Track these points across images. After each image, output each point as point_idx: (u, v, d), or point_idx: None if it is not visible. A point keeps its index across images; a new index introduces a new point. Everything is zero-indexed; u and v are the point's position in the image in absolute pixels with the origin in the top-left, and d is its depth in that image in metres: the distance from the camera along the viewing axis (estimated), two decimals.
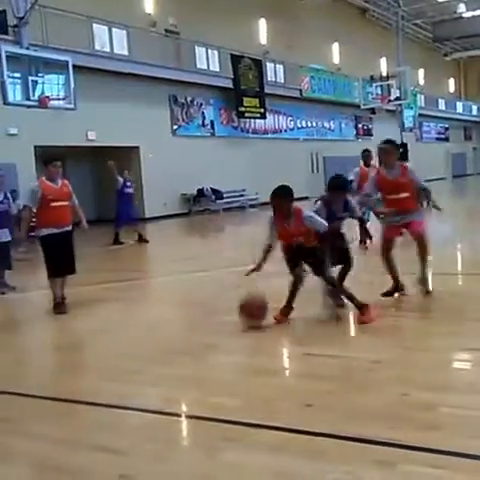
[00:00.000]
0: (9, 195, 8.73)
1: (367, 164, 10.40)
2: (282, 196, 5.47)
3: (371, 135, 34.95)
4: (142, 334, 5.89)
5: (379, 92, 24.39)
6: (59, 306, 6.82)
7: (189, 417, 3.82)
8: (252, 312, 5.51)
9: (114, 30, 19.15)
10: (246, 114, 25.09)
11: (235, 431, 3.45)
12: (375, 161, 9.61)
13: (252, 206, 24.37)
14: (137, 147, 20.47)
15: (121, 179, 13.69)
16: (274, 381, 4.25)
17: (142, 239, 13.68)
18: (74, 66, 16.30)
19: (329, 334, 5.33)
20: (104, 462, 3.19)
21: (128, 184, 13.84)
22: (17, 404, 4.20)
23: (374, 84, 23.82)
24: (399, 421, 3.40)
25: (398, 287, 6.25)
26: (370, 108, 25.10)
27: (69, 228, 7.04)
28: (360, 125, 34.11)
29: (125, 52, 19.45)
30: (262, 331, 5.54)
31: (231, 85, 24.18)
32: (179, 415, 3.90)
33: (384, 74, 26.02)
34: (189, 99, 22.99)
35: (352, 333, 5.59)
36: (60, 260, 6.80)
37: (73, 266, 7.01)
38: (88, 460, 3.23)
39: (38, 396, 4.24)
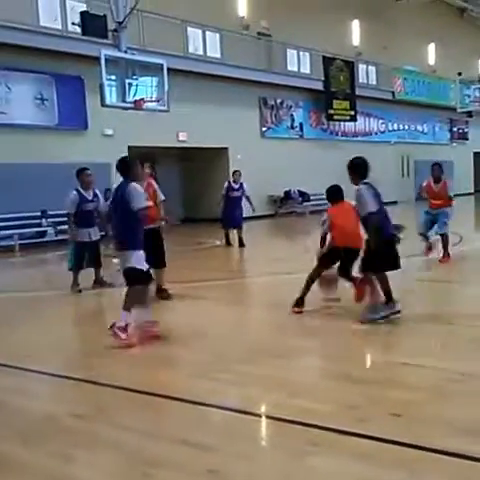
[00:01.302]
0: (98, 193, 8.86)
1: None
2: None
3: (466, 139, 33.64)
4: (231, 333, 5.98)
5: (477, 94, 23.38)
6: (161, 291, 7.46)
7: (274, 419, 3.81)
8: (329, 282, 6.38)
9: (207, 33, 19.47)
10: (335, 117, 24.81)
11: (321, 436, 3.42)
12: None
13: None
14: (226, 148, 20.69)
15: (226, 184, 13.53)
16: (361, 388, 4.19)
17: (242, 243, 13.24)
18: (168, 69, 16.73)
19: (418, 343, 5.21)
20: (191, 456, 3.24)
21: (235, 187, 13.47)
22: (107, 395, 4.35)
23: (472, 86, 22.85)
24: None
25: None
26: (467, 111, 24.11)
27: (156, 226, 7.25)
28: (455, 128, 32.89)
29: (218, 55, 19.73)
30: (349, 336, 5.48)
31: (321, 87, 23.99)
32: (264, 416, 3.91)
33: None
34: (279, 101, 23.01)
35: (441, 343, 5.39)
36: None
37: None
38: (175, 454, 3.29)
39: (127, 388, 4.36)
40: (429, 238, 9.81)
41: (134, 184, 5.65)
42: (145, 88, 16.91)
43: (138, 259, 5.52)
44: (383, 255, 5.73)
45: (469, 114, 25.19)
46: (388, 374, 4.66)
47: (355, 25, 26.76)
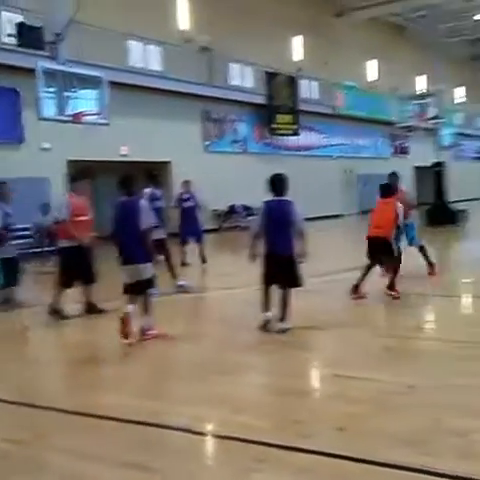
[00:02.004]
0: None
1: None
2: None
3: (407, 153, 34.47)
4: (176, 350, 5.87)
5: (416, 110, 23.96)
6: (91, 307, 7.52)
7: (219, 436, 3.77)
8: None
9: (148, 46, 19.29)
10: (279, 131, 24.99)
11: (266, 452, 3.40)
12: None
13: None
14: (169, 162, 20.47)
15: (177, 195, 12.63)
16: (306, 402, 4.21)
17: (204, 259, 12.29)
18: (108, 82, 16.43)
19: (362, 356, 5.25)
20: (132, 479, 3.18)
21: (185, 197, 12.40)
22: (45, 418, 4.20)
23: (410, 102, 23.41)
24: (430, 447, 3.33)
25: None
26: (406, 126, 24.68)
27: (87, 241, 7.42)
28: (396, 143, 33.66)
29: (159, 68, 19.56)
30: (294, 351, 5.50)
31: (264, 102, 24.13)
32: (210, 434, 3.87)
33: (421, 92, 25.60)
34: (222, 115, 23.00)
35: (387, 356, 5.42)
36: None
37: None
38: (119, 477, 3.23)
39: (66, 410, 4.23)
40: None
41: (143, 201, 6.26)
42: (85, 101, 16.53)
43: (152, 268, 6.18)
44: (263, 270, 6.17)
45: (409, 129, 25.77)
46: (333, 388, 4.65)
47: (297, 41, 27.09)
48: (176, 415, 4.02)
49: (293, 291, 6.21)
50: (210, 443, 3.75)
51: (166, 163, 20.48)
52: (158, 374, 5.04)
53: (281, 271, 6.11)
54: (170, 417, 3.98)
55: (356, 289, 7.65)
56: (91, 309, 7.49)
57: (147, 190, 9.18)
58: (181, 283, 8.87)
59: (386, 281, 7.74)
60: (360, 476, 3.09)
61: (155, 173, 10.15)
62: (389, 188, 8.27)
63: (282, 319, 6.08)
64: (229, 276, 10.45)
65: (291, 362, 5.24)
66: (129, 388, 4.73)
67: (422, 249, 9.27)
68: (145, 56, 19.21)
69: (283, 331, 5.99)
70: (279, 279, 6.15)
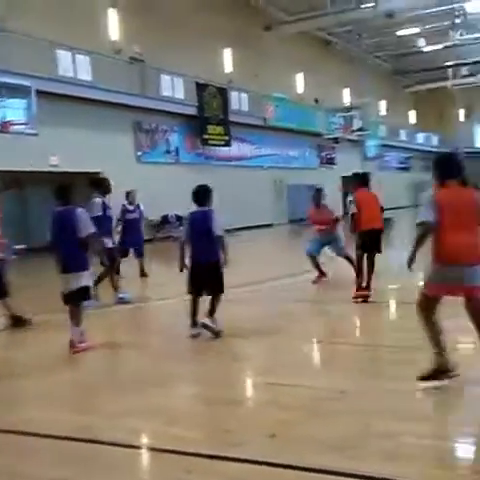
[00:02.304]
0: None
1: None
2: None
3: (334, 164, 35.48)
4: (107, 363, 5.82)
5: (342, 122, 24.79)
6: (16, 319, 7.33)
7: (152, 449, 3.75)
8: None
9: (78, 56, 19.09)
10: (210, 141, 25.20)
11: (196, 463, 3.40)
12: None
13: None
14: (100, 173, 20.27)
15: (121, 207, 11.76)
16: (238, 411, 4.22)
17: (143, 272, 12.03)
18: (37, 91, 16.19)
19: (293, 363, 5.31)
20: None
21: (130, 209, 11.91)
22: None
23: (337, 115, 24.20)
24: (359, 451, 3.41)
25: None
26: (333, 137, 25.50)
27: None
28: (323, 154, 34.58)
29: (89, 78, 19.38)
30: (225, 360, 5.55)
31: (195, 113, 24.30)
32: (142, 447, 3.83)
33: (346, 105, 26.49)
34: (154, 126, 22.98)
35: (318, 363, 5.62)
36: None
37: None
38: None
39: None
40: (319, 265, 9.76)
41: (80, 209, 6.15)
42: (12, 110, 16.25)
43: (89, 278, 6.22)
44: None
45: (335, 140, 26.62)
46: (264, 396, 4.71)
47: (227, 53, 27.46)
48: (108, 429, 3.96)
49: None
50: (142, 456, 3.72)
51: (97, 174, 20.27)
52: (90, 387, 4.93)
53: (209, 278, 6.28)
54: (101, 431, 3.92)
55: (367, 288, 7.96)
56: (16, 322, 7.28)
57: (98, 200, 8.64)
58: (121, 296, 8.74)
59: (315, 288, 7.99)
60: None
61: (101, 180, 9.50)
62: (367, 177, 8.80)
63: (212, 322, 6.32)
64: (163, 286, 10.48)
65: (223, 372, 5.27)
66: (59, 402, 4.63)
67: (348, 258, 9.59)
68: (75, 66, 18.96)
69: (216, 333, 6.19)
70: (207, 286, 6.32)
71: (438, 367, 4.36)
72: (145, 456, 3.72)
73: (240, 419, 4.05)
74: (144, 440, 3.93)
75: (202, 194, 6.56)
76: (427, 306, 4.48)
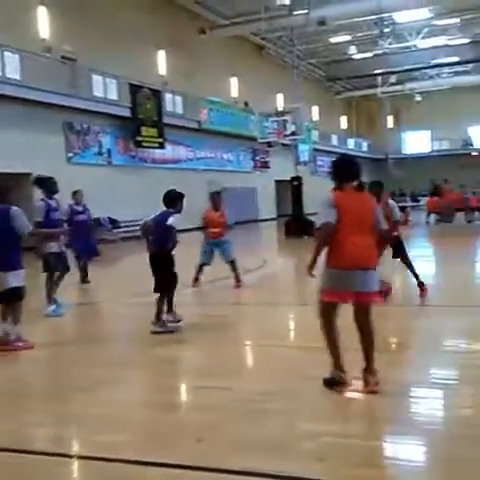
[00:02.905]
0: None
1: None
2: None
3: (268, 167, 35.90)
4: (33, 369, 5.66)
5: (275, 127, 25.06)
6: None
7: (78, 457, 3.69)
8: None
9: (6, 53, 18.51)
10: (144, 144, 24.98)
11: (126, 470, 3.37)
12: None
13: None
14: (29, 174, 19.72)
15: (67, 208, 10.76)
16: (167, 416, 4.20)
17: (85, 277, 11.24)
18: None
19: (223, 366, 5.35)
20: None
21: (79, 210, 11.14)
22: None
23: (270, 119, 24.48)
24: (285, 452, 3.46)
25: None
26: (267, 142, 25.75)
27: None
28: (258, 157, 34.95)
29: (18, 77, 18.82)
30: (157, 364, 5.50)
31: (129, 114, 24.03)
32: (68, 456, 3.72)
33: (280, 109, 26.82)
34: (85, 127, 22.57)
35: (245, 365, 5.67)
36: None
37: None
38: None
39: None
40: (202, 270, 9.79)
41: (15, 208, 6.01)
42: None
43: (20, 279, 6.07)
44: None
45: (269, 144, 26.92)
46: (193, 399, 4.75)
47: (161, 55, 27.33)
48: (34, 437, 3.89)
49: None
50: (67, 465, 3.63)
51: (27, 175, 19.72)
52: (13, 396, 4.78)
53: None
54: (26, 439, 3.84)
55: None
56: None
57: (40, 203, 8.09)
58: (51, 310, 7.92)
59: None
60: None
61: (44, 179, 8.66)
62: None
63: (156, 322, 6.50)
64: (96, 290, 10.32)
65: (154, 376, 5.26)
66: None
67: (232, 263, 9.77)
68: (3, 64, 18.38)
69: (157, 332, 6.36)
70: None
71: (333, 377, 4.41)
72: (71, 464, 3.64)
73: (168, 424, 4.03)
74: (69, 448, 3.85)
75: (166, 197, 7.12)
76: (325, 313, 4.46)
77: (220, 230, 9.81)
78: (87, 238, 11.14)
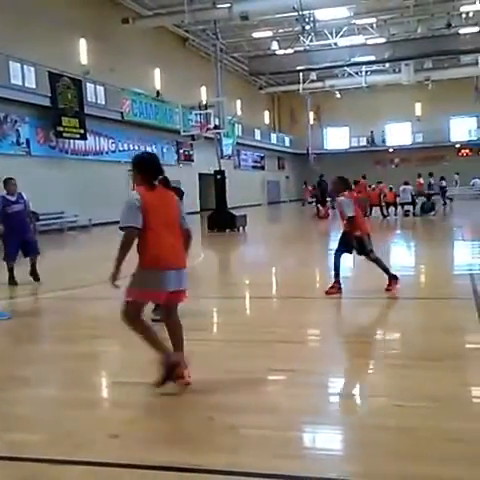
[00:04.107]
0: None
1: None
2: None
3: (192, 161, 35.87)
4: None
5: (199, 120, 25.09)
6: None
7: None
8: None
9: None
10: (65, 134, 24.34)
11: (37, 468, 3.31)
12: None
13: (71, 229, 23.71)
14: None
15: None
16: (81, 413, 4.13)
17: (36, 275, 10.07)
18: None
19: (137, 361, 5.29)
20: None
21: (12, 199, 10.01)
22: None
23: (194, 112, 24.47)
24: (202, 445, 3.50)
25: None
26: (190, 135, 25.71)
27: None
28: (181, 150, 34.84)
29: None
30: (73, 361, 5.42)
31: (48, 103, 23.35)
32: None
33: (203, 103, 26.85)
34: (2, 115, 21.76)
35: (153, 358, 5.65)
36: None
37: None
38: None
39: None
40: None
41: None
42: None
43: None
44: None
45: (192, 137, 26.90)
46: (105, 395, 4.73)
47: (82, 43, 26.71)
48: None
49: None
50: None
51: None
52: None
53: None
54: None
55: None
56: None
57: None
58: None
59: None
60: None
61: None
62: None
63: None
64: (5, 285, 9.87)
65: (70, 373, 5.16)
66: None
67: None
68: None
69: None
70: None
71: (167, 368, 4.33)
72: None
73: (83, 421, 3.97)
74: None
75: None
76: (135, 313, 4.36)
77: None
78: (26, 232, 9.95)
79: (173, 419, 3.93)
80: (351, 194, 8.14)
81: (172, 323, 4.55)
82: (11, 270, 9.78)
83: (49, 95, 23.22)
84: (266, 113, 52.68)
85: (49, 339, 6.56)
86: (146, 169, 4.43)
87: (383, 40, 35.65)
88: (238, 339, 6.04)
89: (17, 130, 22.48)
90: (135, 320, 4.37)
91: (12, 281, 9.76)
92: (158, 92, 32.29)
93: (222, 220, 21.00)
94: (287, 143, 52.48)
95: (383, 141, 52.35)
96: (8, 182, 10.15)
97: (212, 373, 4.83)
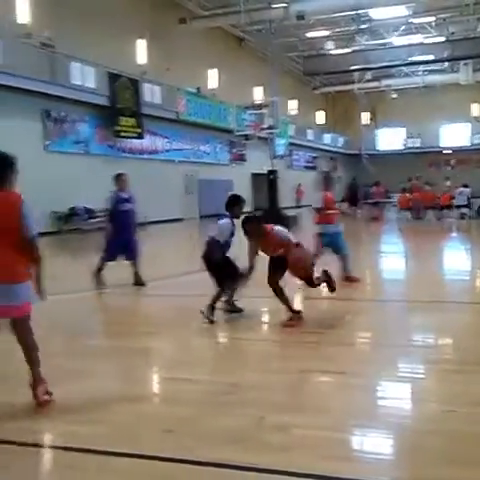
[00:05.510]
0: None
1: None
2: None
3: (245, 160, 36.04)
4: (12, 354, 5.66)
5: (253, 120, 25.24)
6: None
7: (48, 447, 3.77)
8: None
9: None
10: (122, 133, 24.90)
11: (92, 461, 3.42)
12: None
13: None
14: None
15: (111, 194, 9.62)
16: (136, 407, 4.24)
17: (140, 280, 9.33)
18: None
19: (192, 358, 5.47)
20: None
21: (124, 197, 9.58)
22: None
23: (248, 112, 24.64)
24: (253, 444, 3.54)
25: None
26: (244, 134, 25.89)
27: None
28: (234, 150, 35.05)
29: None
30: (130, 355, 5.58)
31: (107, 103, 23.92)
32: (35, 445, 3.75)
33: (258, 102, 26.96)
34: (63, 115, 22.43)
35: (213, 357, 5.76)
36: None
37: None
38: None
39: None
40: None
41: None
42: None
43: None
44: None
45: (246, 137, 27.05)
46: (159, 390, 4.84)
47: (140, 44, 27.18)
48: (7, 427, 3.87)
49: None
50: (34, 454, 3.65)
51: None
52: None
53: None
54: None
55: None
56: None
57: None
58: None
59: None
60: (183, 477, 3.22)
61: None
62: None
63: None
64: (65, 280, 10.05)
65: (126, 367, 5.29)
66: None
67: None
68: None
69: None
70: None
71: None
72: (37, 454, 3.67)
73: (136, 415, 4.08)
74: (38, 437, 3.86)
75: (227, 202, 7.25)
76: None
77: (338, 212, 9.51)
78: (132, 233, 9.40)
79: (223, 417, 3.99)
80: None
81: (17, 339, 4.26)
82: (101, 269, 9.07)
83: (108, 95, 23.79)
84: (320, 113, 52.33)
85: (105, 334, 6.79)
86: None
87: (442, 39, 34.91)
88: (282, 340, 6.09)
89: (77, 129, 23.13)
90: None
91: (98, 278, 9.06)
92: (198, 89, 31.89)
93: (273, 220, 20.97)
94: (340, 143, 52.00)
95: (438, 142, 51.22)
96: (119, 178, 9.61)
97: (263, 372, 4.89)
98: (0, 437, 3.76)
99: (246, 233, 6.61)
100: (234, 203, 7.22)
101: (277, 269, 6.53)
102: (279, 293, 6.55)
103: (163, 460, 3.38)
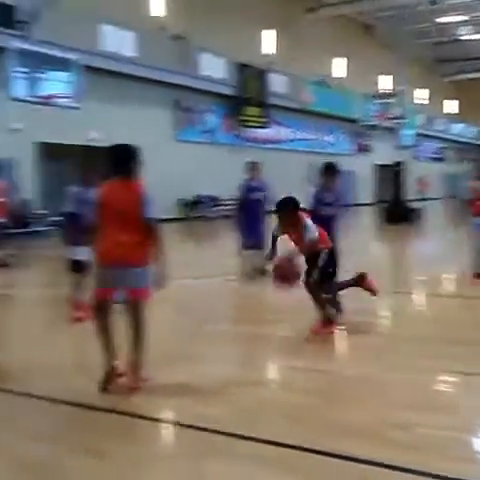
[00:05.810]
0: None
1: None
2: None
3: (369, 151, 35.24)
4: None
5: (379, 109, 24.61)
6: None
7: (174, 424, 3.91)
8: (286, 275, 5.36)
9: (122, 31, 19.22)
10: (248, 123, 25.24)
11: (219, 441, 3.51)
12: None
13: None
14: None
15: (242, 182, 9.48)
16: (259, 393, 4.30)
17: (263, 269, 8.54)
18: (80, 65, 16.47)
19: (317, 348, 5.45)
20: (84, 466, 3.26)
21: (254, 185, 9.37)
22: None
23: (374, 101, 24.04)
24: (377, 439, 3.49)
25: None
26: (369, 124, 25.31)
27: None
28: (359, 140, 34.36)
29: (132, 54, 19.54)
30: (252, 341, 5.68)
31: (234, 93, 24.34)
32: (164, 421, 3.96)
33: (385, 91, 26.24)
34: (192, 105, 23.13)
35: (339, 348, 5.73)
36: None
37: None
38: (74, 462, 3.32)
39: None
40: None
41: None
42: (56, 83, 16.57)
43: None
44: None
45: (372, 127, 26.44)
46: (281, 378, 4.88)
47: (267, 34, 27.30)
48: (130, 402, 4.05)
49: None
50: (163, 430, 3.87)
51: None
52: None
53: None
54: (126, 404, 4.01)
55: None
56: None
57: (73, 189, 6.72)
58: None
59: None
60: (308, 466, 3.21)
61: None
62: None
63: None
64: (191, 266, 10.20)
65: (249, 353, 5.39)
66: (88, 376, 4.47)
67: None
68: (118, 41, 19.12)
69: None
70: None
71: (107, 375, 4.22)
72: (165, 429, 3.88)
73: (261, 401, 4.13)
74: (165, 414, 4.05)
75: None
76: (98, 312, 4.26)
77: None
78: (259, 223, 9.03)
79: (348, 409, 3.97)
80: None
81: (129, 321, 4.29)
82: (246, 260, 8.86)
83: (235, 85, 24.19)
84: (450, 102, 49.90)
85: (230, 319, 6.95)
86: (108, 162, 4.38)
87: None
88: (413, 336, 5.90)
89: (205, 119, 23.77)
90: (95, 318, 4.29)
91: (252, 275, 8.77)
92: (324, 79, 31.51)
93: (397, 212, 20.42)
94: (471, 134, 49.31)
95: None
96: (251, 166, 9.49)
97: (392, 368, 4.82)
98: (133, 411, 3.95)
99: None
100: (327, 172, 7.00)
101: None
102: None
103: (287, 447, 3.38)
